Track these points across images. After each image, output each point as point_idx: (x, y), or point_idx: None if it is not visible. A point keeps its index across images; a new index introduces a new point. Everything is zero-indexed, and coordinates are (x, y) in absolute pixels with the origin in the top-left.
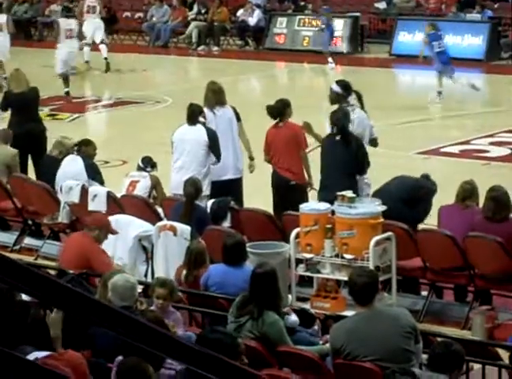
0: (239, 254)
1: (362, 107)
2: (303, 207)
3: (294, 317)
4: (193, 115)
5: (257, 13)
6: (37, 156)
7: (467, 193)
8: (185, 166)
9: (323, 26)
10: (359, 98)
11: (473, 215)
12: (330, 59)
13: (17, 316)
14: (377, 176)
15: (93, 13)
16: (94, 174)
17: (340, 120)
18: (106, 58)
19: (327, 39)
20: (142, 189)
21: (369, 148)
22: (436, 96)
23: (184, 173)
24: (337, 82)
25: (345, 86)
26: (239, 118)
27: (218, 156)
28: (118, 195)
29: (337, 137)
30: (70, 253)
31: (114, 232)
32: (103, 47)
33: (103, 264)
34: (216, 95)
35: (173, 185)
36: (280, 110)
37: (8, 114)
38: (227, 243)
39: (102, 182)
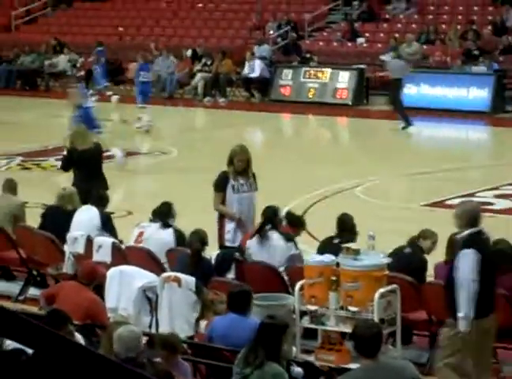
0: (245, 302)
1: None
2: (309, 259)
3: (299, 369)
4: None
5: (259, 63)
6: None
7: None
8: None
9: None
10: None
11: None
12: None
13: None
14: (381, 228)
15: None
16: (109, 225)
17: None
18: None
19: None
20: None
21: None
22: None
23: None
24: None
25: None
26: None
27: None
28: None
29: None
30: (71, 306)
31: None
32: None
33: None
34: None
35: None
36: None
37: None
38: (234, 291)
39: (115, 235)
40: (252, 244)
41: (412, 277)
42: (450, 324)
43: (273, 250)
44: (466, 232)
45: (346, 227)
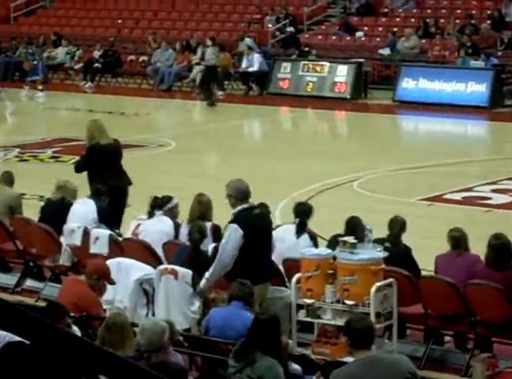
0: (247, 293)
1: None
2: (305, 252)
3: (297, 366)
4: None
5: (257, 57)
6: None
7: (456, 240)
8: None
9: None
10: None
11: (469, 262)
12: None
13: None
14: (380, 222)
15: None
16: (106, 218)
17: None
18: None
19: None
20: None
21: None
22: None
23: None
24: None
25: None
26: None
27: None
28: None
29: None
30: (65, 299)
31: (112, 282)
32: None
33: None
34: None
35: None
36: None
37: None
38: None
39: (111, 228)
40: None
41: (405, 267)
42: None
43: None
44: (237, 208)
45: (356, 229)
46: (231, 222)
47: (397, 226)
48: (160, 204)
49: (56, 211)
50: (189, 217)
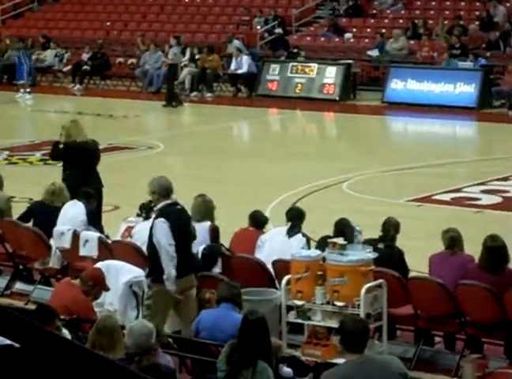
0: (234, 295)
1: None
2: (295, 254)
3: (289, 369)
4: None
5: (246, 59)
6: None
7: (452, 240)
8: None
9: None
10: None
11: (463, 262)
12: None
13: None
14: (369, 223)
15: None
16: (95, 220)
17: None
18: None
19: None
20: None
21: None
22: None
23: None
24: None
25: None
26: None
27: None
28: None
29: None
30: (57, 302)
31: (107, 289)
32: None
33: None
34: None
35: None
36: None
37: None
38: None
39: (101, 230)
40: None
41: (397, 270)
42: (151, 285)
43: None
44: (161, 204)
45: (345, 231)
46: (157, 217)
47: (392, 228)
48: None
49: (45, 214)
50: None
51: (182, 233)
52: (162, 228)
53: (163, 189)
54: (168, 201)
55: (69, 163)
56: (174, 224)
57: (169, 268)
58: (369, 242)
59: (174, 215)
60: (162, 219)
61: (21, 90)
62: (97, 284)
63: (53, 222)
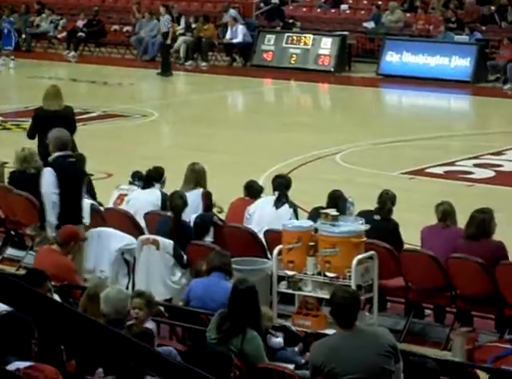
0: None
1: None
2: (287, 224)
3: (278, 339)
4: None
5: (241, 29)
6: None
7: (444, 214)
8: None
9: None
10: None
11: (455, 235)
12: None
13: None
14: (362, 195)
15: None
16: (88, 187)
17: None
18: None
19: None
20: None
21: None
22: None
23: None
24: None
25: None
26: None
27: None
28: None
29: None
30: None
31: (84, 238)
32: None
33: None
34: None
35: None
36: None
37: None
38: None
39: (95, 196)
40: (260, 209)
41: (392, 242)
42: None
43: (279, 217)
44: (54, 155)
45: (338, 202)
46: (46, 166)
47: (389, 201)
48: (157, 177)
49: (22, 182)
50: (183, 186)
51: (70, 184)
52: (46, 176)
53: (59, 142)
54: (61, 153)
55: (42, 131)
56: (61, 174)
57: (50, 216)
58: (365, 214)
59: (63, 165)
60: (49, 169)
61: (3, 57)
62: (72, 239)
63: (30, 189)
